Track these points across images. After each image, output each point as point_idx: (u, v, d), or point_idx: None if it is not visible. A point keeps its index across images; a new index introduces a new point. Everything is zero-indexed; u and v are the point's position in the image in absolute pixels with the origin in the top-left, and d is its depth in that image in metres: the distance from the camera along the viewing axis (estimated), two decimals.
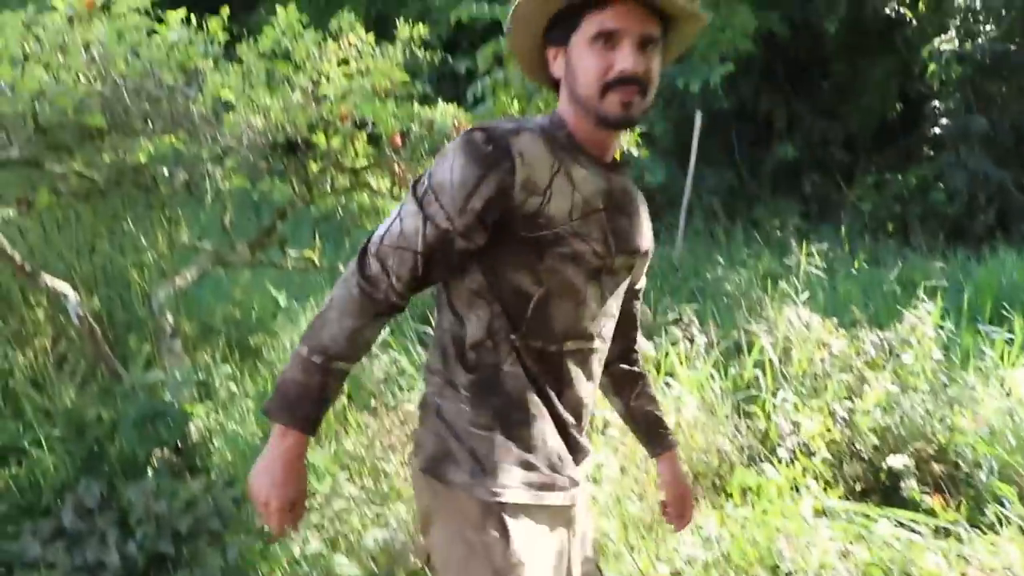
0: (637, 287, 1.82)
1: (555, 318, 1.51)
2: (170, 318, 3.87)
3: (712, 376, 4.10)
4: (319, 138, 3.55)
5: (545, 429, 1.53)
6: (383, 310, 1.48)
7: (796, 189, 10.75)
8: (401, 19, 3.98)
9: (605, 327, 1.63)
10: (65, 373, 3.88)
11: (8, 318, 4.12)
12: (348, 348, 1.47)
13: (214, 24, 3.14)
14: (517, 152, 1.43)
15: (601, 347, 1.63)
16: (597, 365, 1.64)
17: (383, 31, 4.09)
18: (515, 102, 3.73)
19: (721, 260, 7.26)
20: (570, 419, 1.57)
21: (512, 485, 1.48)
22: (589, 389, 1.62)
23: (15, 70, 2.85)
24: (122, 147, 3.35)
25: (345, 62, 3.83)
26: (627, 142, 3.88)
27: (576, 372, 1.57)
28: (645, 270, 1.82)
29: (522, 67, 1.66)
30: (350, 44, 3.87)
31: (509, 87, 3.70)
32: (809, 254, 5.94)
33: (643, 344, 2.05)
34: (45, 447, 3.41)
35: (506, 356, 1.50)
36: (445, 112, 3.73)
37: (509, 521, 1.46)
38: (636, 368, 1.89)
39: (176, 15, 3.19)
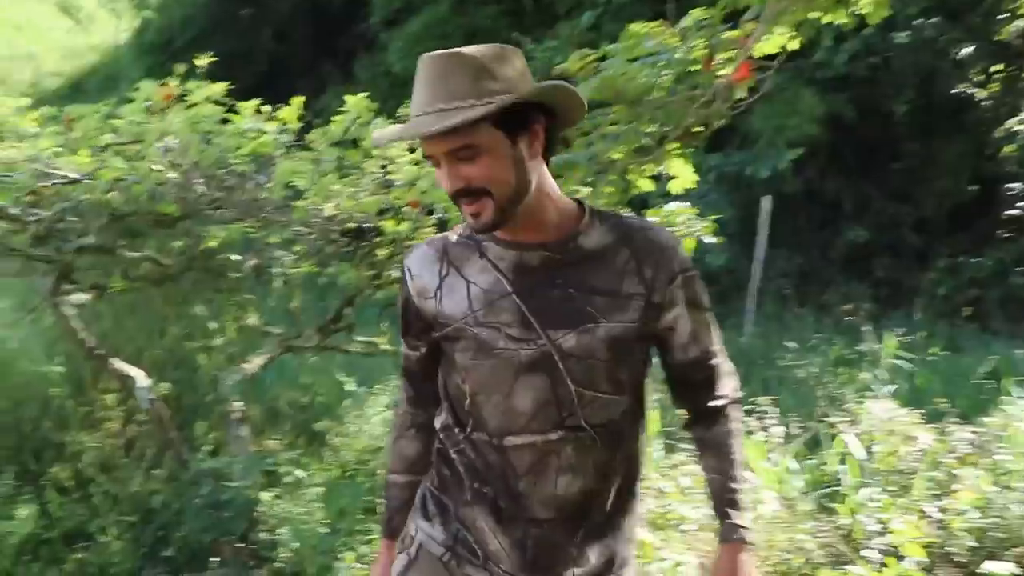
0: (680, 357, 1.61)
1: (487, 414, 1.55)
2: (237, 403, 3.85)
3: (789, 469, 3.93)
4: (387, 223, 3.55)
5: (476, 515, 1.60)
6: (407, 422, 1.75)
7: (867, 272, 10.49)
8: None
9: (582, 414, 1.52)
10: (133, 458, 3.88)
11: (80, 401, 4.15)
12: (392, 461, 1.77)
13: (286, 113, 3.18)
14: (407, 269, 1.62)
15: (582, 436, 1.52)
16: (581, 456, 1.53)
17: None
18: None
19: (794, 345, 7.05)
20: (541, 514, 1.56)
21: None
22: (564, 482, 1.54)
23: (94, 159, 2.91)
24: (193, 233, 3.40)
25: (413, 149, 3.86)
26: (702, 230, 3.81)
27: (538, 466, 1.53)
28: (690, 331, 1.59)
29: None
30: None
31: (577, 168, 3.67)
32: (885, 341, 5.74)
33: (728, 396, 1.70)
34: (112, 533, 3.38)
35: (456, 445, 1.61)
36: None
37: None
38: (708, 432, 1.67)
39: (250, 105, 3.24)
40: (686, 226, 3.88)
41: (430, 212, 3.60)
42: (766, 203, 7.78)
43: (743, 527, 1.62)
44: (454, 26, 10.79)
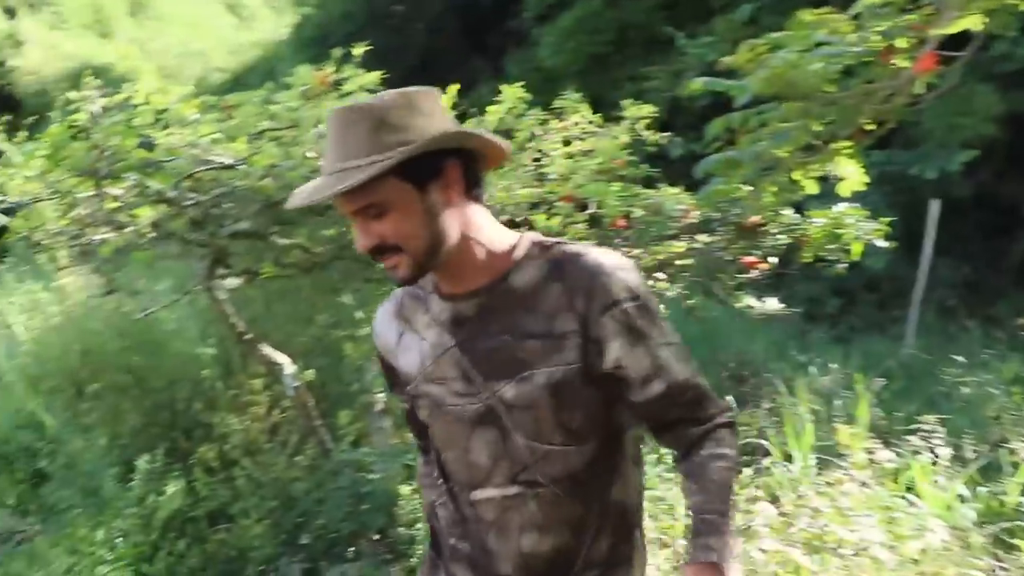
0: (639, 396, 1.43)
1: (453, 468, 1.53)
2: (380, 395, 3.84)
3: (961, 497, 3.60)
4: (538, 217, 3.44)
5: (456, 570, 1.58)
6: (422, 470, 1.75)
7: None
8: (623, 101, 3.87)
9: (537, 468, 1.44)
10: (277, 443, 3.93)
11: (229, 384, 4.23)
12: (424, 507, 1.76)
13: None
14: (374, 330, 1.62)
15: (542, 492, 1.45)
16: (546, 512, 1.46)
17: (596, 112, 4.00)
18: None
19: (962, 360, 6.55)
20: (507, 572, 1.50)
21: None
22: (531, 541, 1.47)
23: (250, 145, 2.92)
24: (344, 222, 3.38)
25: (567, 142, 3.75)
26: (872, 233, 3.54)
27: (501, 522, 1.48)
28: (648, 364, 1.40)
29: None
30: (575, 124, 3.79)
31: (740, 166, 3.46)
32: None
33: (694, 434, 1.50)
34: (254, 517, 3.42)
35: (440, 497, 1.60)
36: (669, 195, 3.55)
37: None
38: (689, 459, 1.49)
39: None
40: (855, 229, 3.63)
41: (583, 208, 3.48)
42: (934, 207, 7.28)
43: (716, 549, 1.39)
44: (606, 20, 10.63)
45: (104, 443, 3.96)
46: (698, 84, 3.46)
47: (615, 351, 1.39)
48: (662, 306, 4.48)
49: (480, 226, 1.43)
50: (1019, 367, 6.42)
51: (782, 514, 3.47)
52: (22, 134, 3.91)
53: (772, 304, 3.43)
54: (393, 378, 1.61)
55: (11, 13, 15.22)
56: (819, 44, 3.18)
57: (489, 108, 3.34)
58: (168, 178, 2.77)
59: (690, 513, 1.45)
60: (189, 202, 2.87)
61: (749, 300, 3.42)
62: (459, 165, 1.38)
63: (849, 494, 3.49)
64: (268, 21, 17.72)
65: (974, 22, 2.90)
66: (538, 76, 10.23)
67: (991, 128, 8.84)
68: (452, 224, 1.38)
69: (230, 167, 2.82)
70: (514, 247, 1.45)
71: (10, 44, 15.51)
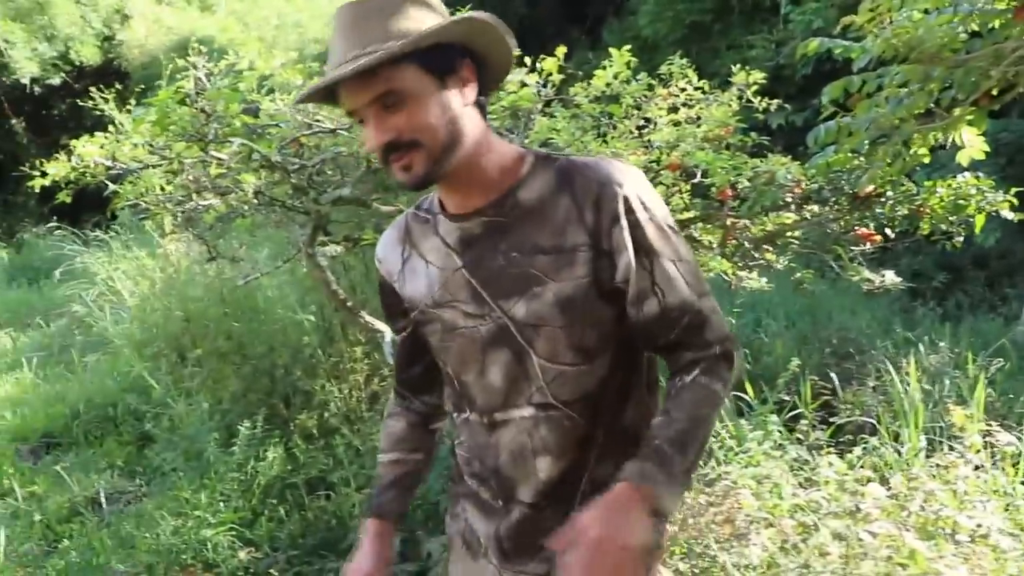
0: (634, 313, 1.36)
1: (473, 392, 1.47)
2: None
3: None
4: None
5: (467, 508, 1.57)
6: (394, 405, 1.72)
7: None
8: (732, 66, 3.72)
9: (549, 390, 1.39)
10: (376, 411, 3.94)
11: (328, 352, 4.26)
12: (381, 441, 1.72)
13: (549, 64, 3.02)
14: (377, 255, 1.57)
15: (554, 415, 1.40)
16: (558, 436, 1.41)
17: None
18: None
19: None
20: (526, 498, 1.46)
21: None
22: (545, 464, 1.43)
23: None
24: None
25: (675, 109, 3.63)
26: (998, 204, 3.34)
27: (517, 445, 1.44)
28: (649, 281, 1.34)
29: None
30: (681, 90, 3.67)
31: (856, 134, 3.29)
32: None
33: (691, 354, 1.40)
34: (353, 485, 3.43)
35: (458, 429, 1.56)
36: (779, 164, 3.40)
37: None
38: (671, 383, 1.41)
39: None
40: (979, 199, 3.43)
41: (689, 177, 3.36)
42: None
43: (650, 478, 1.25)
44: None
45: (206, 407, 4.03)
46: (814, 44, 3.31)
47: (624, 264, 1.34)
48: (764, 280, 4.36)
49: (490, 138, 1.40)
50: None
51: (892, 496, 3.33)
52: (131, 104, 3.97)
53: (890, 277, 3.25)
54: (395, 305, 1.57)
55: None
56: (946, 4, 3.01)
57: (597, 72, 3.24)
58: (271, 143, 2.76)
59: (651, 427, 1.35)
60: (293, 167, 2.85)
61: (866, 273, 3.26)
62: (472, 69, 1.34)
63: (965, 478, 3.32)
64: None
65: None
66: (636, 45, 10.02)
67: None
68: (468, 125, 1.34)
69: (333, 131, 2.79)
70: (520, 161, 1.41)
71: (118, 19, 15.98)
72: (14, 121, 16.89)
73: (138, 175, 3.44)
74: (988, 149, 3.28)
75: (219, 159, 2.78)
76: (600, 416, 1.42)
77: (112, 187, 3.58)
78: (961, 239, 3.67)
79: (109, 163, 3.12)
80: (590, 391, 1.40)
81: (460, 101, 1.32)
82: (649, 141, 3.32)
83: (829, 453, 3.76)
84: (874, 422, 4.18)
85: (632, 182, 1.35)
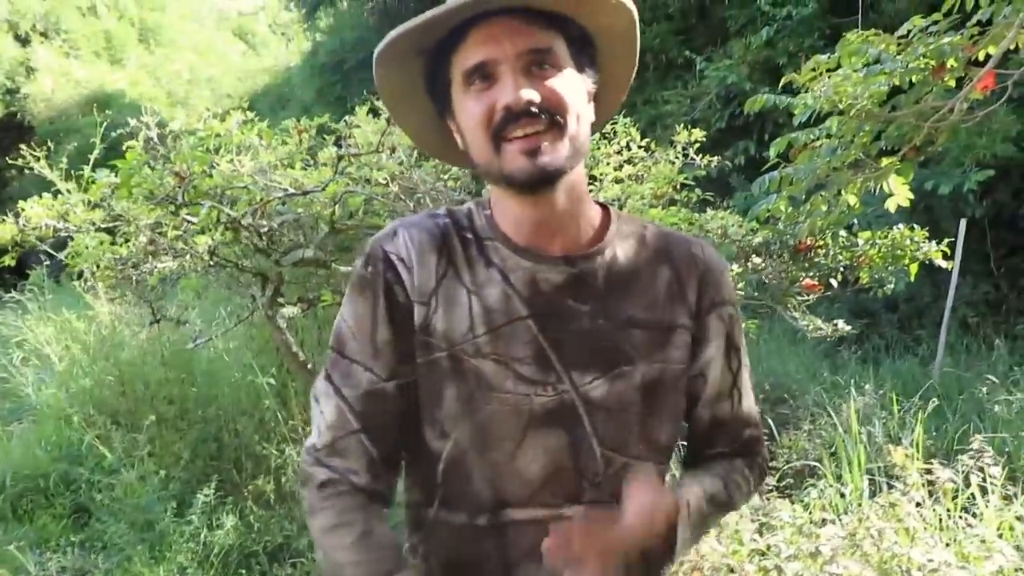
0: (704, 413, 1.25)
1: (478, 480, 1.13)
2: None
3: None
4: None
5: None
6: (362, 500, 1.14)
7: None
8: (678, 124, 3.86)
9: (608, 487, 1.14)
10: None
11: (283, 414, 4.18)
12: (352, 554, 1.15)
13: None
14: (395, 256, 1.14)
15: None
16: None
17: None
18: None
19: (994, 379, 6.52)
20: None
21: None
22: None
23: (319, 171, 2.90)
24: None
25: (619, 166, 3.74)
26: (931, 254, 3.53)
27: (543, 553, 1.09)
28: (728, 381, 1.24)
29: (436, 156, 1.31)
30: (625, 148, 3.78)
31: (797, 182, 3.45)
32: None
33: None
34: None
35: (419, 531, 1.20)
36: (720, 219, 3.53)
37: None
38: (717, 461, 1.29)
39: None
40: (912, 250, 3.61)
41: None
42: (962, 226, 7.28)
43: (692, 507, 1.16)
44: None
45: (163, 475, 3.88)
46: (761, 100, 3.50)
47: (709, 355, 1.21)
48: None
49: (583, 175, 1.18)
50: None
51: (845, 537, 3.43)
52: (43, 160, 3.84)
53: (841, 326, 3.40)
54: (405, 332, 1.13)
55: (24, 41, 15.28)
56: (871, 63, 3.24)
57: None
58: (243, 205, 2.73)
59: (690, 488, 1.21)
60: (264, 229, 2.83)
61: (819, 323, 3.39)
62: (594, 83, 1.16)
63: (909, 515, 3.45)
64: (277, 48, 17.84)
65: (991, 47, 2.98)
66: None
67: (1010, 150, 8.84)
68: (588, 140, 1.14)
69: (306, 193, 2.77)
70: (607, 214, 1.21)
71: (23, 71, 15.55)
72: None
73: (71, 238, 3.36)
74: (912, 197, 3.50)
75: (190, 222, 2.74)
76: None
77: (60, 252, 3.49)
78: (891, 287, 3.86)
79: (59, 225, 3.04)
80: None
81: (589, 105, 1.14)
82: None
83: (778, 497, 3.88)
84: (818, 465, 4.31)
85: (727, 272, 1.24)
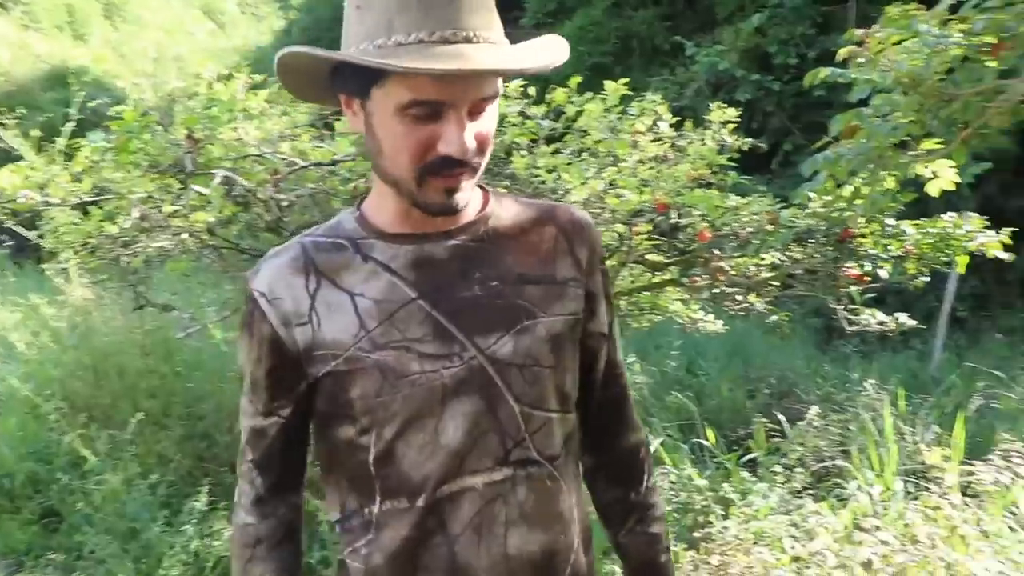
0: (599, 366, 1.32)
1: (410, 464, 1.15)
2: None
3: None
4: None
5: None
6: (266, 529, 1.26)
7: None
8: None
9: (534, 443, 1.17)
10: None
11: None
12: None
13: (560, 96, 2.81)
14: (258, 292, 1.18)
15: (536, 473, 1.18)
16: (538, 500, 1.18)
17: None
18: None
19: (1000, 374, 6.38)
20: None
21: None
22: (518, 538, 1.17)
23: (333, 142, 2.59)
24: None
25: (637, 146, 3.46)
26: (991, 246, 3.30)
27: (480, 519, 1.15)
28: (605, 329, 1.30)
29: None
30: (651, 127, 3.51)
31: (848, 163, 3.20)
32: None
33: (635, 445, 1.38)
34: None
35: (353, 537, 1.20)
36: (767, 203, 3.28)
37: None
38: (628, 492, 1.36)
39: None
40: (965, 240, 3.39)
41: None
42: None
43: None
44: (608, 29, 10.47)
45: (154, 480, 3.50)
46: (824, 73, 3.23)
47: (602, 310, 1.29)
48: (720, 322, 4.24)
49: None
50: None
51: (883, 542, 3.22)
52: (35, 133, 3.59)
53: (904, 319, 3.16)
54: (285, 367, 1.18)
55: None
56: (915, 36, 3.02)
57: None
58: (258, 176, 2.40)
59: (641, 561, 1.38)
60: (284, 203, 2.51)
61: (880, 315, 3.15)
62: None
63: (966, 521, 3.24)
64: (247, 27, 17.37)
65: None
66: (538, 86, 10.02)
67: (1003, 140, 8.76)
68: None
69: (319, 164, 2.45)
70: (484, 191, 1.26)
71: None
72: None
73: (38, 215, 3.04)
74: (959, 181, 3.32)
75: (201, 193, 2.40)
76: (576, 477, 1.27)
77: (30, 231, 3.14)
78: (927, 279, 3.65)
79: (39, 197, 2.69)
80: (569, 444, 1.24)
81: None
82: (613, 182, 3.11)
83: (809, 498, 3.66)
84: (842, 464, 4.11)
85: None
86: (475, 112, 1.07)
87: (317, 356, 1.15)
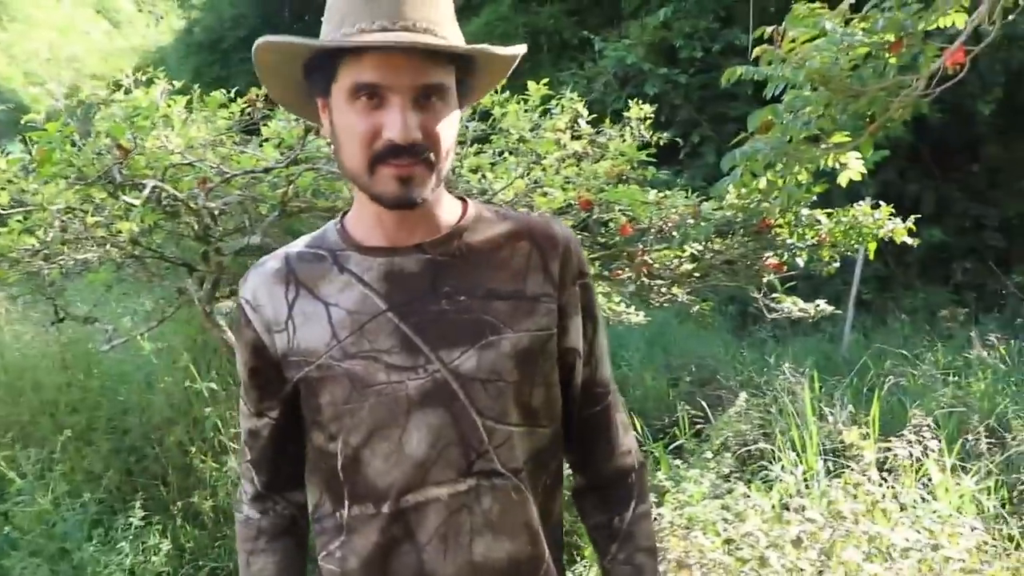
0: (575, 382, 1.30)
1: (375, 472, 1.18)
2: None
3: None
4: None
5: None
6: (264, 526, 1.34)
7: (946, 276, 10.15)
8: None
9: (496, 456, 1.18)
10: None
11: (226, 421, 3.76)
12: None
13: (486, 98, 2.82)
14: (244, 300, 1.25)
15: (503, 484, 1.19)
16: (504, 510, 1.19)
17: None
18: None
19: (906, 353, 6.67)
20: None
21: None
22: (483, 547, 1.18)
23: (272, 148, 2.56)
24: None
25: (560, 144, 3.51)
26: (897, 233, 3.46)
27: (446, 528, 1.17)
28: (589, 348, 1.31)
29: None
30: (571, 125, 3.56)
31: (764, 157, 3.32)
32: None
33: (625, 466, 1.37)
34: None
35: (331, 535, 1.24)
36: (686, 197, 3.37)
37: None
38: (612, 518, 1.34)
39: None
40: (875, 228, 3.55)
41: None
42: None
43: None
44: (515, 24, 10.52)
45: (66, 495, 3.39)
46: (739, 71, 3.34)
47: (576, 325, 1.27)
48: (641, 314, 4.34)
49: None
50: (945, 355, 6.59)
51: (810, 520, 3.35)
52: None
53: (823, 306, 3.29)
54: (270, 369, 1.24)
55: None
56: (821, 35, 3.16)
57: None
58: (187, 185, 2.37)
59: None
60: (216, 211, 2.47)
61: (801, 303, 3.27)
62: None
63: (885, 496, 3.40)
64: (144, 26, 16.83)
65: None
66: None
67: (900, 130, 9.13)
68: (450, 165, 1.21)
69: (271, 170, 2.41)
70: (464, 203, 1.28)
71: None
72: None
73: None
74: (865, 172, 3.47)
75: (131, 204, 2.35)
76: (547, 490, 1.26)
77: None
78: (836, 265, 3.82)
79: None
80: (537, 458, 1.24)
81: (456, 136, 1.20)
82: (538, 180, 3.16)
83: (738, 483, 3.77)
84: (765, 447, 4.25)
85: (579, 245, 1.30)
86: (421, 103, 1.09)
87: (292, 362, 1.20)
